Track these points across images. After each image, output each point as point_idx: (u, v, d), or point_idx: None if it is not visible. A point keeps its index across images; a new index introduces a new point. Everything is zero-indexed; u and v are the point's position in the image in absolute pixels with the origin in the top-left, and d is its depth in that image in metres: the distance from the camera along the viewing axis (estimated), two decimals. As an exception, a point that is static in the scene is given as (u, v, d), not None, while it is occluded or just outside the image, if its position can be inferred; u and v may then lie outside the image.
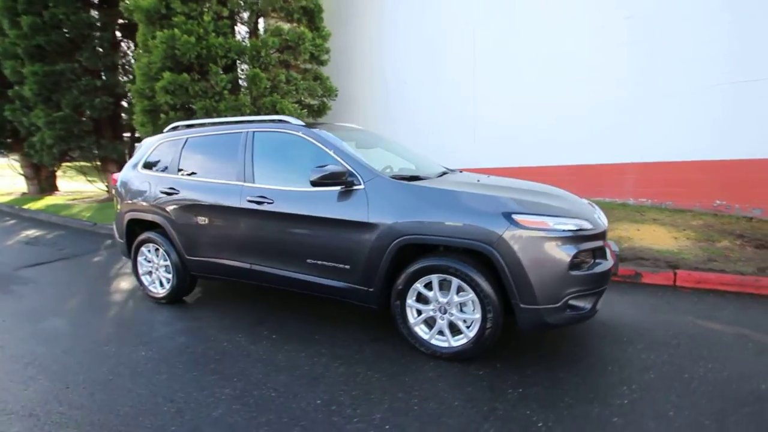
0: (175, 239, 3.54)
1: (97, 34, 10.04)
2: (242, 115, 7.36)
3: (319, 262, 2.91)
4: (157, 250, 3.75)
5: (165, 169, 3.70)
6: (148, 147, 3.94)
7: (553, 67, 7.02)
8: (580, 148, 6.95)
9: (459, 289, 2.51)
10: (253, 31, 8.41)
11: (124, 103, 11.21)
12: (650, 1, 6.04)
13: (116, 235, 4.13)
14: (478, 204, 2.48)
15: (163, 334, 3.16)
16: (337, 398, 2.27)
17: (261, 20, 8.67)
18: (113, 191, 4.18)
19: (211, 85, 7.27)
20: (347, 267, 2.81)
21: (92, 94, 9.76)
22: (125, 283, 4.43)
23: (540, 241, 2.33)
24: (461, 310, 2.56)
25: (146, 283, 3.88)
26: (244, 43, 7.39)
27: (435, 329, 2.64)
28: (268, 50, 7.35)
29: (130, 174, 3.94)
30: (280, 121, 3.37)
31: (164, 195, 3.58)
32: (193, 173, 3.55)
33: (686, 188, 6.16)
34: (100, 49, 10.13)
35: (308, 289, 3.04)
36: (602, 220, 2.80)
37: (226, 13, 7.38)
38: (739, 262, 4.03)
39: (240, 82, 8.06)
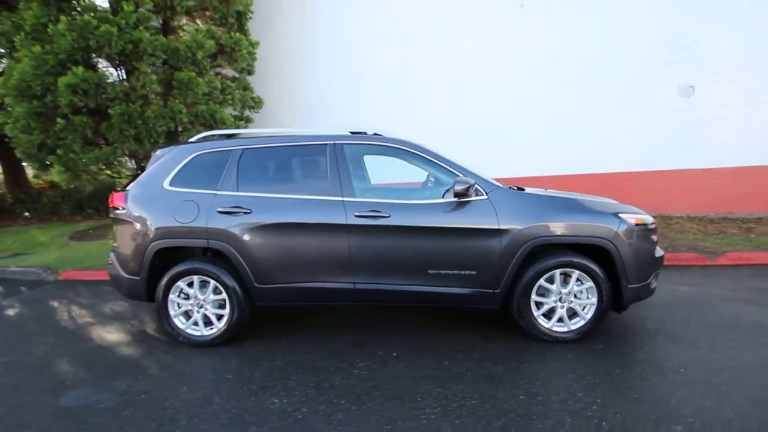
0: (242, 266, 3.01)
1: None
2: (175, 123, 6.37)
3: (443, 272, 2.98)
4: (204, 283, 3.10)
5: (216, 186, 3.11)
6: (175, 159, 3.22)
7: (478, 90, 8.21)
8: (500, 159, 8.26)
9: (577, 280, 2.98)
10: (172, 31, 7.31)
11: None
12: (551, 46, 7.75)
13: (120, 272, 3.20)
14: (596, 207, 3.02)
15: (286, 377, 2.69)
16: (532, 392, 2.44)
17: (184, 21, 7.60)
18: (116, 215, 3.22)
19: (134, 86, 6.06)
20: (473, 273, 2.97)
21: None
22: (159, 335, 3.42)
23: (638, 234, 3.00)
24: (576, 297, 3.03)
25: (181, 326, 3.13)
26: (176, 43, 6.40)
27: (555, 317, 3.03)
28: (204, 53, 6.55)
29: (153, 192, 3.15)
30: (362, 133, 3.28)
31: (226, 215, 3.02)
32: (262, 189, 3.10)
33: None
34: None
35: (426, 300, 3.06)
36: None
37: (148, 5, 6.27)
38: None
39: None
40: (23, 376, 2.82)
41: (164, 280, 3.08)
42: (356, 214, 2.96)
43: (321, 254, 3.01)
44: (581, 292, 3.00)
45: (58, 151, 5.88)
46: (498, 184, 3.06)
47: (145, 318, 3.85)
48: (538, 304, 3.03)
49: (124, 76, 6.42)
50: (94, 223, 8.07)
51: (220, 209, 3.03)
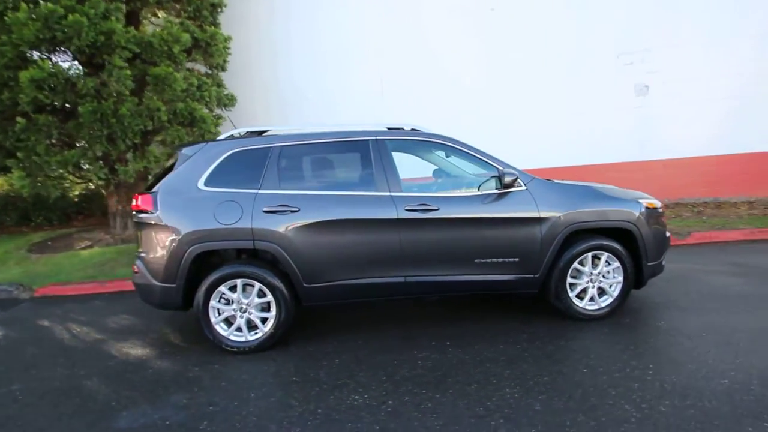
0: (290, 267, 2.93)
1: None
2: (153, 121, 5.94)
3: (489, 260, 3.12)
4: (247, 287, 2.96)
5: (257, 184, 2.99)
6: (208, 158, 3.03)
7: (454, 90, 8.48)
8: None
9: (604, 261, 3.26)
10: (137, 23, 6.77)
11: None
12: (522, 48, 8.20)
13: (151, 280, 2.96)
14: (621, 195, 3.31)
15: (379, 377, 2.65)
16: (591, 365, 2.64)
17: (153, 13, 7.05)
18: (143, 219, 2.96)
19: (105, 82, 5.57)
20: (516, 260, 3.13)
21: None
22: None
23: (654, 217, 3.34)
24: (605, 277, 3.31)
25: (224, 333, 2.98)
26: (149, 37, 5.93)
27: (587, 297, 3.29)
28: (181, 47, 6.15)
29: (187, 193, 2.95)
30: (400, 128, 3.32)
31: (272, 215, 2.91)
32: (307, 187, 3.03)
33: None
34: None
35: (472, 288, 3.18)
36: None
37: (117, -7, 5.76)
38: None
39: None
40: (58, 403, 2.52)
41: (205, 286, 2.91)
42: (407, 208, 3.00)
43: (372, 250, 3.02)
44: (609, 272, 3.28)
45: (19, 154, 5.22)
46: (532, 175, 3.26)
47: (163, 329, 3.60)
48: (572, 286, 3.27)
49: (86, 71, 5.85)
50: (48, 234, 7.26)
51: (265, 209, 2.92)
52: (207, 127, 6.54)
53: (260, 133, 3.25)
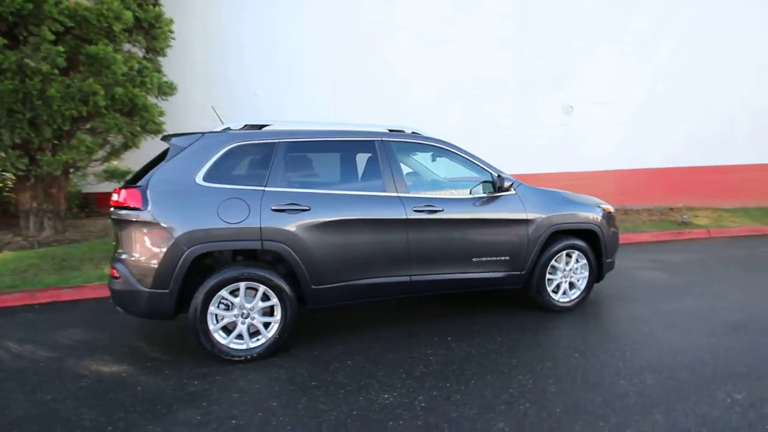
0: (299, 268, 2.82)
1: None
2: (87, 107, 5.24)
3: (484, 259, 3.34)
4: (250, 290, 2.78)
5: (263, 181, 2.82)
6: (206, 151, 2.78)
7: (405, 102, 8.80)
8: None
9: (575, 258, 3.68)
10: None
11: None
12: (472, 68, 8.78)
13: (137, 286, 2.62)
14: (585, 200, 3.77)
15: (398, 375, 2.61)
16: (581, 349, 2.97)
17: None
18: (127, 217, 2.59)
19: (29, 57, 4.77)
20: (507, 258, 3.40)
21: None
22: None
23: (610, 219, 3.86)
24: (574, 273, 3.73)
25: (223, 341, 2.75)
26: (84, 11, 5.19)
27: (560, 291, 3.68)
28: (122, 26, 5.50)
29: (185, 189, 2.68)
30: (400, 131, 3.39)
31: (281, 214, 2.77)
32: (315, 185, 2.95)
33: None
34: None
35: (468, 286, 3.37)
36: None
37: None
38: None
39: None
40: (32, 433, 2.12)
41: (204, 290, 2.67)
42: (414, 208, 3.09)
43: (381, 249, 3.04)
44: (578, 268, 3.72)
45: None
46: (519, 180, 3.57)
47: (132, 342, 3.19)
48: (549, 281, 3.64)
49: (4, 43, 4.91)
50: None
51: (274, 207, 2.77)
52: (150, 116, 5.91)
53: (260, 127, 3.08)
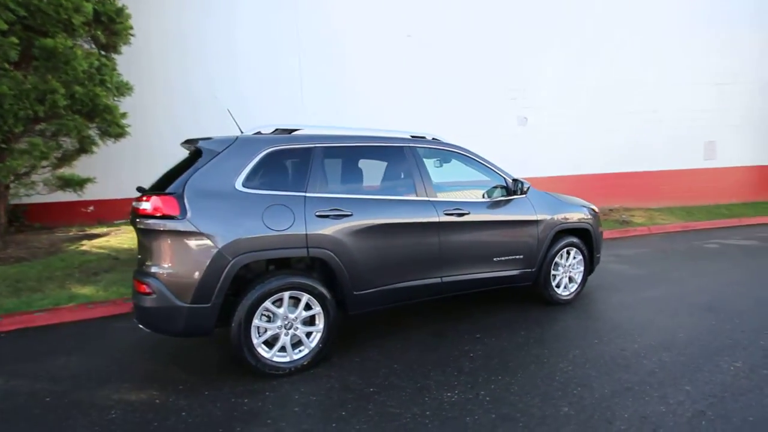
0: (343, 274, 2.77)
1: None
2: (45, 107, 4.66)
3: (503, 258, 3.53)
4: (293, 300, 2.67)
5: (302, 187, 2.73)
6: (243, 156, 2.63)
7: (371, 106, 8.90)
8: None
9: (573, 255, 4.03)
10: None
11: None
12: (432, 77, 9.13)
13: (175, 302, 2.39)
14: (577, 201, 4.16)
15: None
16: (600, 336, 3.27)
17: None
18: (162, 227, 2.34)
19: (-26, 48, 4.14)
20: (521, 256, 3.64)
21: None
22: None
23: (597, 218, 4.29)
24: (572, 268, 4.07)
25: (267, 355, 2.61)
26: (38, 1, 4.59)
27: (562, 285, 3.99)
28: (82, 18, 4.97)
29: (225, 195, 2.51)
30: (422, 137, 3.47)
31: (325, 220, 2.70)
32: (352, 190, 2.92)
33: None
34: None
35: (489, 284, 3.54)
36: None
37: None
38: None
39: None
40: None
41: (249, 302, 2.52)
42: (445, 211, 3.19)
43: (416, 252, 3.10)
44: (575, 264, 4.07)
45: None
46: (528, 184, 3.83)
47: (145, 364, 2.88)
48: (553, 277, 3.94)
49: None
50: None
51: (318, 213, 2.70)
52: (114, 119, 5.37)
53: (289, 131, 2.98)
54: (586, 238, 4.11)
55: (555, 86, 9.54)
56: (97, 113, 5.19)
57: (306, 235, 2.65)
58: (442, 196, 3.29)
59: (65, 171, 5.69)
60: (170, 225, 2.41)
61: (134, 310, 2.60)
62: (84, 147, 5.49)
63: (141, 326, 2.57)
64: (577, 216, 4.02)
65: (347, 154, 3.09)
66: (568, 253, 3.99)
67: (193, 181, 2.50)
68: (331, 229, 2.74)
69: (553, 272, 3.90)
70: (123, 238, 6.37)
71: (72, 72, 4.74)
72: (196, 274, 2.41)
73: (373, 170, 3.21)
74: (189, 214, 2.41)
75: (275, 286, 2.59)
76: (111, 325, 3.69)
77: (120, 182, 7.45)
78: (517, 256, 3.61)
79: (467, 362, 2.86)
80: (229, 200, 2.54)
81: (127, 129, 5.65)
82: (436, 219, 3.14)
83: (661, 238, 7.41)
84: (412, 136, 3.44)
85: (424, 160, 3.78)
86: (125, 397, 2.49)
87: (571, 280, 4.07)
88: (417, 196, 3.15)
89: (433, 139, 3.54)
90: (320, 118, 8.58)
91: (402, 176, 3.19)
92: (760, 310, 3.78)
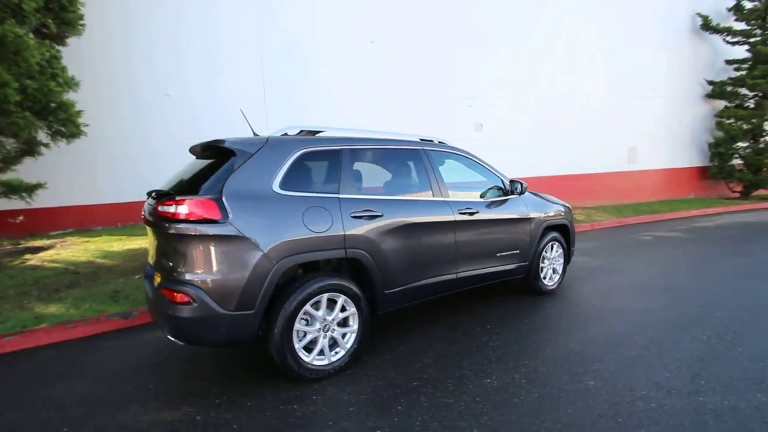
0: (376, 273, 2.82)
1: None
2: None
3: (504, 253, 3.80)
4: (331, 302, 2.67)
5: (335, 188, 2.73)
6: (278, 157, 2.57)
7: (334, 109, 8.91)
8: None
9: (556, 248, 4.44)
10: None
11: None
12: (395, 83, 9.36)
13: (217, 310, 2.27)
14: (557, 200, 4.58)
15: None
16: (594, 320, 3.65)
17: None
18: (202, 232, 2.20)
19: None
20: (518, 251, 3.94)
21: None
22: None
23: (572, 215, 4.77)
24: (555, 261, 4.47)
25: (307, 359, 2.58)
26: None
27: (548, 277, 4.37)
28: (35, 4, 4.45)
29: (265, 197, 2.44)
30: (430, 140, 3.62)
31: (359, 220, 2.73)
32: (379, 191, 2.97)
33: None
34: None
35: (493, 278, 3.79)
36: None
37: None
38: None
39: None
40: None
41: (292, 306, 2.47)
42: (459, 210, 3.37)
43: (437, 250, 3.24)
44: (557, 257, 4.49)
45: None
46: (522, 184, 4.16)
47: (163, 380, 2.68)
48: (541, 269, 4.31)
49: None
50: None
51: (353, 214, 2.73)
52: (70, 117, 4.83)
53: (313, 133, 2.96)
54: (564, 233, 4.56)
55: (507, 96, 10.29)
56: (50, 111, 4.63)
57: (344, 236, 2.67)
58: (453, 196, 3.48)
59: (2, 176, 4.98)
60: (210, 229, 2.29)
61: (164, 322, 2.41)
62: (32, 149, 4.86)
63: (173, 339, 2.40)
64: (557, 213, 4.44)
65: (371, 156, 3.15)
66: (552, 247, 4.39)
67: (230, 183, 2.41)
68: (365, 229, 2.78)
69: (540, 265, 4.27)
70: (74, 250, 5.72)
71: (24, 64, 4.20)
72: (240, 280, 2.33)
73: (397, 172, 3.30)
74: (231, 218, 2.32)
75: (316, 288, 2.57)
76: (100, 345, 3.34)
77: (57, 188, 6.70)
78: (515, 251, 3.91)
79: (490, 351, 3.06)
80: (269, 202, 2.48)
81: (83, 129, 5.10)
82: (452, 218, 3.31)
83: (604, 233, 8.33)
84: (421, 139, 3.59)
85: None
86: (159, 417, 2.31)
87: (554, 271, 4.48)
88: (433, 196, 3.29)
89: (439, 142, 3.71)
90: (282, 118, 8.42)
91: (420, 177, 3.32)
92: (705, 288, 4.47)
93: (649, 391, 2.47)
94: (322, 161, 2.83)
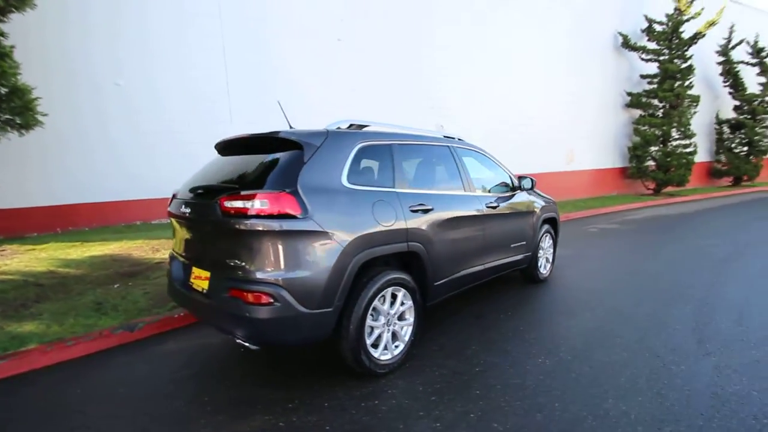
0: (429, 266, 2.87)
1: None
2: None
3: (516, 244, 4.07)
4: (393, 296, 2.67)
5: (391, 182, 2.74)
6: (340, 150, 2.51)
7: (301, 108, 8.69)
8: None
9: (548, 239, 4.83)
10: None
11: None
12: (363, 83, 9.36)
13: (299, 308, 2.16)
14: (547, 195, 4.96)
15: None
16: (593, 307, 4.05)
17: None
18: (281, 228, 2.06)
19: None
20: (525, 243, 4.24)
21: None
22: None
23: (557, 209, 5.22)
24: (548, 250, 4.87)
25: (376, 354, 2.56)
26: None
27: (542, 266, 4.75)
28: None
29: (336, 192, 2.38)
30: (452, 138, 3.75)
31: (416, 214, 2.76)
32: (424, 185, 3.02)
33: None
34: None
35: (506, 268, 4.04)
36: None
37: None
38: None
39: None
40: None
41: (364, 301, 2.44)
42: (486, 204, 3.55)
43: (472, 242, 3.39)
44: (549, 247, 4.90)
45: None
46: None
47: (211, 390, 2.48)
48: (538, 258, 4.67)
49: None
50: None
51: (410, 207, 2.76)
52: (27, 103, 4.16)
53: (360, 127, 2.93)
54: (554, 225, 4.98)
55: (467, 99, 10.83)
56: (5, 97, 3.95)
57: (407, 229, 2.69)
58: (479, 191, 3.65)
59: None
60: (289, 225, 2.18)
61: (234, 325, 2.23)
62: (-25, 140, 4.10)
63: (246, 343, 2.23)
64: (549, 206, 4.85)
65: (415, 152, 3.19)
66: (546, 238, 4.78)
67: (303, 177, 2.31)
68: (420, 222, 2.83)
69: (537, 255, 4.63)
70: (23, 259, 4.92)
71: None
72: (322, 277, 2.25)
73: (434, 167, 3.37)
74: (310, 212, 2.23)
75: (383, 282, 2.56)
76: (111, 362, 2.96)
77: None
78: (523, 243, 4.20)
79: (526, 335, 3.27)
80: (341, 196, 2.42)
81: (41, 119, 4.42)
82: (482, 211, 3.48)
83: (568, 225, 9.17)
84: (445, 137, 3.71)
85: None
86: (238, 428, 2.14)
87: (547, 260, 4.87)
88: (464, 191, 3.43)
89: (459, 139, 3.87)
90: (247, 116, 8.04)
91: (452, 173, 3.43)
92: (668, 270, 5.16)
93: (671, 360, 2.84)
94: (376, 155, 2.82)
